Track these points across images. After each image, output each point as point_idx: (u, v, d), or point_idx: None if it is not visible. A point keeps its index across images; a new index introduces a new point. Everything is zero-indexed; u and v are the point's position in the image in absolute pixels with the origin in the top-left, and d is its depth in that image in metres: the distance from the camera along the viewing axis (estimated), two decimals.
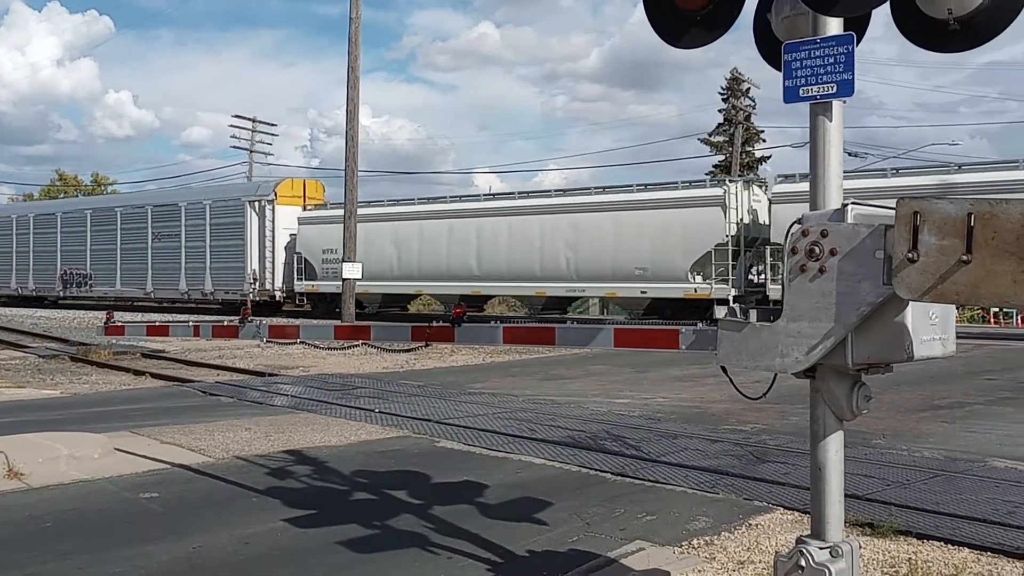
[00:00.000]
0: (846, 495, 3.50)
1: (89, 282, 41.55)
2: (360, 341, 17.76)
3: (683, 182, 27.55)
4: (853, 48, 3.34)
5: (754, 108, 54.25)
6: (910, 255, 2.86)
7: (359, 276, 27.95)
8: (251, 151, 61.25)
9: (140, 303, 41.17)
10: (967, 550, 5.05)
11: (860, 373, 3.27)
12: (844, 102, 3.40)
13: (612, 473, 7.06)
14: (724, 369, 3.58)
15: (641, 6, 3.93)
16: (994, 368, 14.89)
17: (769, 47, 3.83)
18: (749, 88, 53.02)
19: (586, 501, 6.20)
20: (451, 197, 33.53)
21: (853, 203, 3.21)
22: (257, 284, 34.68)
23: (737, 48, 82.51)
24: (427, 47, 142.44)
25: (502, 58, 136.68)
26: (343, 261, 28.12)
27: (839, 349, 3.12)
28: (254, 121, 60.54)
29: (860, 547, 3.64)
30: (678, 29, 3.90)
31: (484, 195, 33.47)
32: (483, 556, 4.99)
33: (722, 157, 53.59)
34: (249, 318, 5.63)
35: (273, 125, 70.12)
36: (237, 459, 7.57)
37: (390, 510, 5.99)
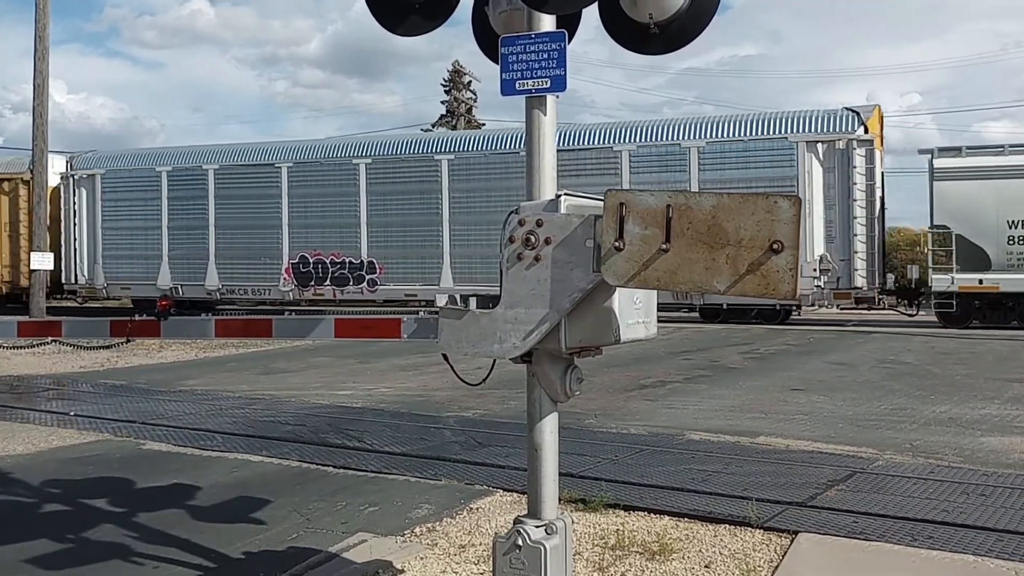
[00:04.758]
0: (561, 473, 3.64)
1: (368, 276, 24.22)
2: (51, 338, 16.07)
3: None
4: (565, 45, 3.47)
5: (475, 101, 55.82)
6: (617, 244, 3.02)
7: (51, 267, 23.14)
8: None
9: None
10: (668, 518, 5.47)
11: (573, 356, 3.41)
12: (558, 97, 3.52)
13: (334, 466, 6.92)
14: (445, 356, 3.59)
15: None
16: (691, 348, 16.39)
17: (487, 40, 3.90)
18: (471, 81, 54.52)
19: (306, 496, 6.03)
20: None
21: (566, 194, 3.33)
22: (825, 277, 20.92)
23: (460, 42, 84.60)
24: (133, 21, 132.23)
25: (218, 38, 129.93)
26: (32, 251, 22.90)
27: (553, 334, 3.23)
28: None
29: (573, 523, 3.82)
30: (397, 16, 3.87)
31: None
32: (194, 562, 4.68)
33: None
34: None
35: None
36: None
37: (88, 521, 5.46)
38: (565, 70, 3.44)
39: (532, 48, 3.48)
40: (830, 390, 11.13)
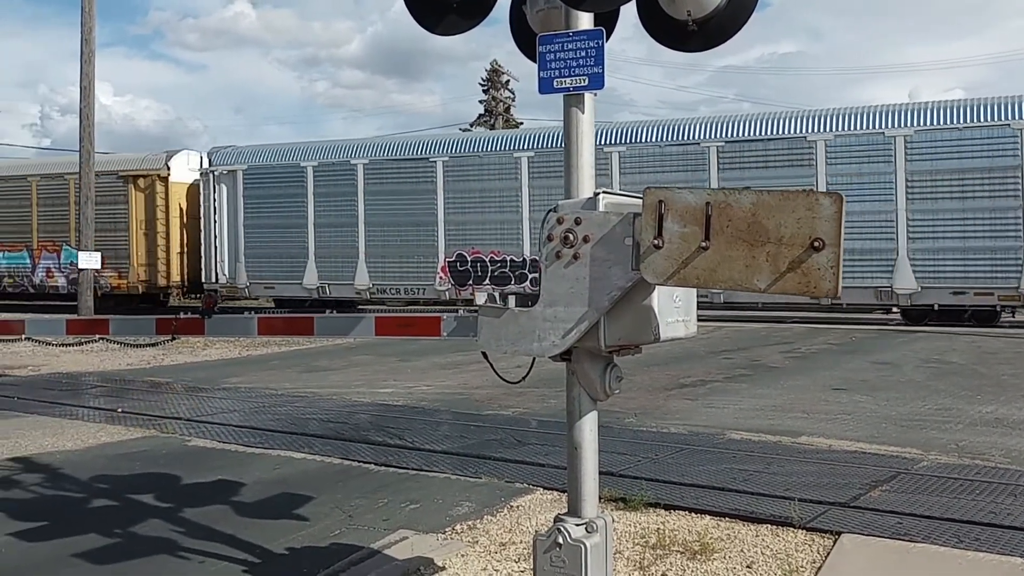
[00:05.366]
0: (601, 472, 3.64)
1: (530, 275, 22.52)
2: (98, 336, 16.34)
3: None
4: (603, 42, 3.46)
5: (513, 100, 55.86)
6: (656, 242, 3.01)
7: (98, 266, 22.50)
8: None
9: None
10: (708, 517, 5.44)
11: (612, 355, 3.41)
12: (595, 95, 3.52)
13: (375, 463, 6.98)
14: (485, 355, 3.61)
15: None
16: (731, 348, 16.23)
17: (525, 38, 3.91)
18: (508, 80, 54.58)
19: (348, 493, 6.09)
20: None
21: (604, 192, 3.33)
22: None
23: (498, 41, 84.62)
24: (176, 24, 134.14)
25: (259, 39, 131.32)
26: (79, 250, 22.32)
27: (592, 332, 3.23)
28: None
29: (614, 521, 3.82)
30: (436, 15, 3.90)
31: None
32: (239, 557, 4.75)
33: None
34: None
35: None
36: None
37: (135, 516, 5.57)
38: (603, 68, 3.44)
39: (570, 46, 3.48)
40: (873, 390, 10.97)
